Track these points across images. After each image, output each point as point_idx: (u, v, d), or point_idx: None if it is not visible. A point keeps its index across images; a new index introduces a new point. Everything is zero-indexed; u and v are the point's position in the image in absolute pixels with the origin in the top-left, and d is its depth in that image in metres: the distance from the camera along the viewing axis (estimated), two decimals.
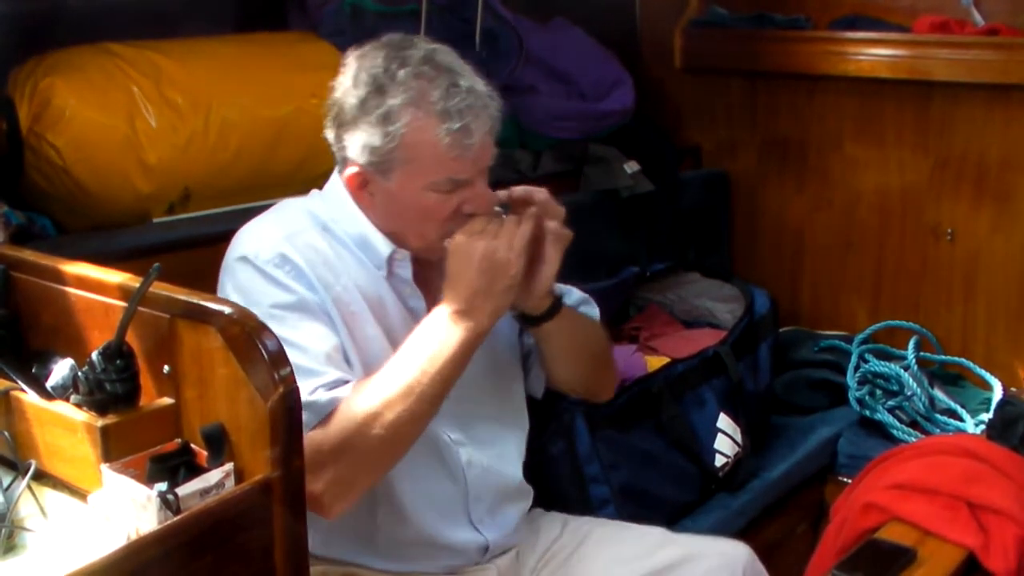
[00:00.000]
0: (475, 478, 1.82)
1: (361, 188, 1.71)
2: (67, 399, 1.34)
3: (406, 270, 1.75)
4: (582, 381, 1.98)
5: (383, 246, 1.73)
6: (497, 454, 1.86)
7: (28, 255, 1.52)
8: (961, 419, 2.82)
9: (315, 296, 1.65)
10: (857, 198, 3.22)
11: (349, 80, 1.68)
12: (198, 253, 1.93)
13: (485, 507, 1.84)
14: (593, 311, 1.98)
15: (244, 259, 1.66)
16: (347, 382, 1.61)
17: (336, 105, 1.69)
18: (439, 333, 1.63)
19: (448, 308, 1.64)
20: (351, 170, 1.70)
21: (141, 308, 1.29)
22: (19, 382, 1.39)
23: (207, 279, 1.69)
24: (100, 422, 1.27)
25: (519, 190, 1.75)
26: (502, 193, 1.74)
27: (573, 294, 1.97)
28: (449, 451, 1.79)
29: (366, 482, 1.61)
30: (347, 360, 1.67)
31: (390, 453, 1.61)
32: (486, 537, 1.83)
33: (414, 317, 1.73)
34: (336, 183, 1.77)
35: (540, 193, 1.75)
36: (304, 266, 1.66)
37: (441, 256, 1.69)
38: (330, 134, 1.72)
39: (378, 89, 1.64)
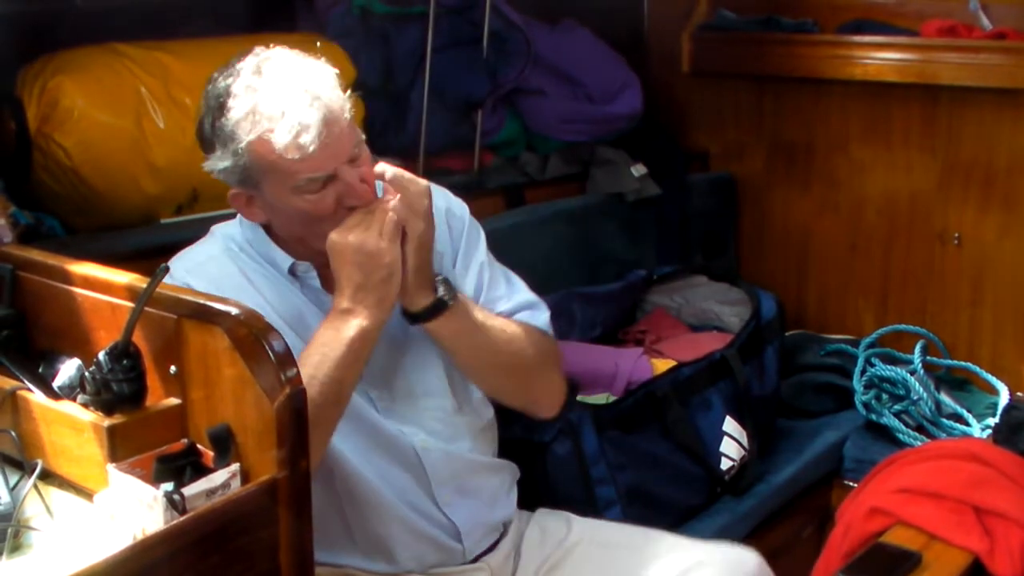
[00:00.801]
0: (434, 463, 1.80)
1: (248, 206, 1.70)
2: (74, 399, 1.35)
3: (314, 279, 1.75)
4: (503, 392, 1.90)
5: (282, 260, 1.72)
6: (457, 445, 1.84)
7: (36, 255, 1.53)
8: (967, 423, 2.81)
9: None
10: (864, 202, 3.21)
11: (202, 106, 1.67)
12: None
13: (452, 489, 1.82)
14: (536, 319, 1.90)
15: None
16: None
17: (197, 133, 1.69)
18: (326, 337, 1.61)
19: (335, 309, 1.63)
20: (231, 192, 1.69)
21: (148, 308, 1.30)
22: (26, 382, 1.39)
23: None
24: (107, 422, 1.28)
25: (375, 170, 1.68)
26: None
27: (517, 295, 1.90)
28: (399, 442, 1.78)
29: None
30: None
31: None
32: (453, 521, 1.82)
33: None
34: None
35: (389, 171, 1.68)
36: (205, 292, 1.66)
37: None
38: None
39: (219, 109, 1.62)
